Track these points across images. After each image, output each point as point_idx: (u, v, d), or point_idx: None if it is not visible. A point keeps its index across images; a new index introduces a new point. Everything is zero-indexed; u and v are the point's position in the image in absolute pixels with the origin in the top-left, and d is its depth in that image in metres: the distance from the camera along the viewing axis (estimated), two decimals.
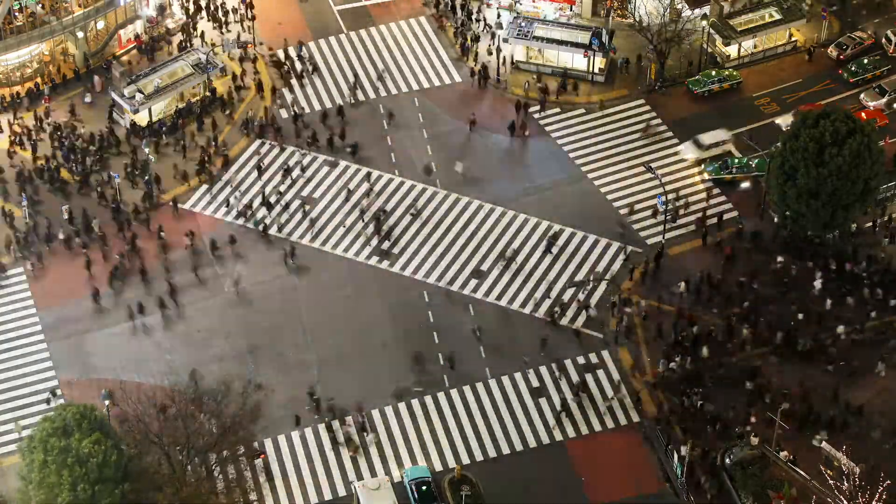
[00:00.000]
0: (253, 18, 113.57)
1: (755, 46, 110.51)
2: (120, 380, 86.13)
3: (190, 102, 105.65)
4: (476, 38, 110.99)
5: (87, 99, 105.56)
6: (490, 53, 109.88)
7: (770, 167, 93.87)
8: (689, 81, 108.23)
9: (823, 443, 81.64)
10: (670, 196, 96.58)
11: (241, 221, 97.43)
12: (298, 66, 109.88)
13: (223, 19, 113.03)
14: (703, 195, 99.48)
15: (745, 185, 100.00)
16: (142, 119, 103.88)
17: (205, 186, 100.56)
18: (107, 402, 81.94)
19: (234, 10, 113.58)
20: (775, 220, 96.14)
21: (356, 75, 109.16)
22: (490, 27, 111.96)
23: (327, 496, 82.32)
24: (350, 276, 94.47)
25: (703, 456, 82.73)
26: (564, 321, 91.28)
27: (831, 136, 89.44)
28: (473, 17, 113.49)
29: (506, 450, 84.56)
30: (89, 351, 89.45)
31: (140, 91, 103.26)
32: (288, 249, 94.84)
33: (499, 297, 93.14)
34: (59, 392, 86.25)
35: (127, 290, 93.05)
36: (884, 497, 76.97)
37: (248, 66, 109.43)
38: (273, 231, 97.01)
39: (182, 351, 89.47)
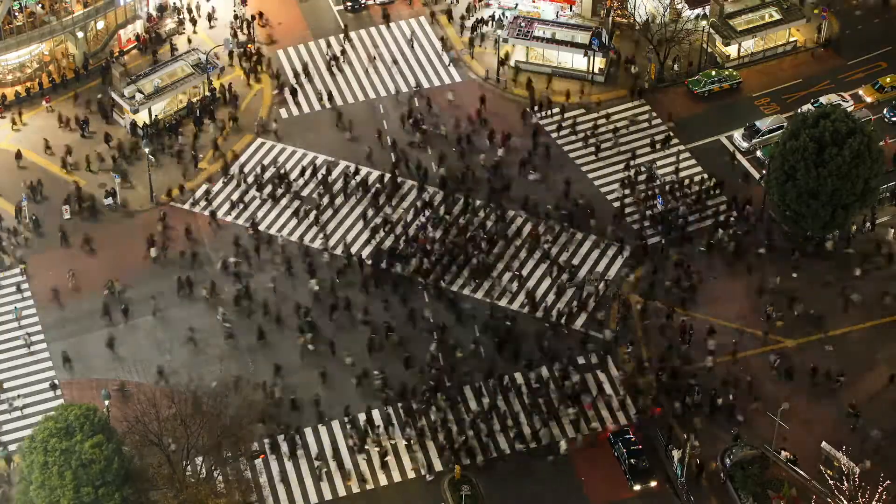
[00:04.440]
0: (253, 18, 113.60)
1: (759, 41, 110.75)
2: (120, 380, 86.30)
3: (190, 102, 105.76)
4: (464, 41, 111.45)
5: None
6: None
7: (770, 167, 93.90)
8: (689, 81, 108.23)
9: (823, 443, 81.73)
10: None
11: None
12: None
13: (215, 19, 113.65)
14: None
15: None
16: (141, 119, 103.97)
17: (205, 186, 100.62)
18: (107, 402, 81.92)
19: (236, 16, 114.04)
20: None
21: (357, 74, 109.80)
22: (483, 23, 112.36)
23: (327, 496, 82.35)
24: (350, 275, 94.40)
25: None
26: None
27: (831, 136, 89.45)
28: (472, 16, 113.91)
29: (506, 450, 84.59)
30: (89, 351, 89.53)
31: (140, 91, 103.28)
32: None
33: (499, 297, 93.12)
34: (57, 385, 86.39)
35: (128, 289, 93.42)
36: (884, 497, 77.08)
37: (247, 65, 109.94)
38: (271, 231, 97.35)
39: (182, 351, 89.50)
